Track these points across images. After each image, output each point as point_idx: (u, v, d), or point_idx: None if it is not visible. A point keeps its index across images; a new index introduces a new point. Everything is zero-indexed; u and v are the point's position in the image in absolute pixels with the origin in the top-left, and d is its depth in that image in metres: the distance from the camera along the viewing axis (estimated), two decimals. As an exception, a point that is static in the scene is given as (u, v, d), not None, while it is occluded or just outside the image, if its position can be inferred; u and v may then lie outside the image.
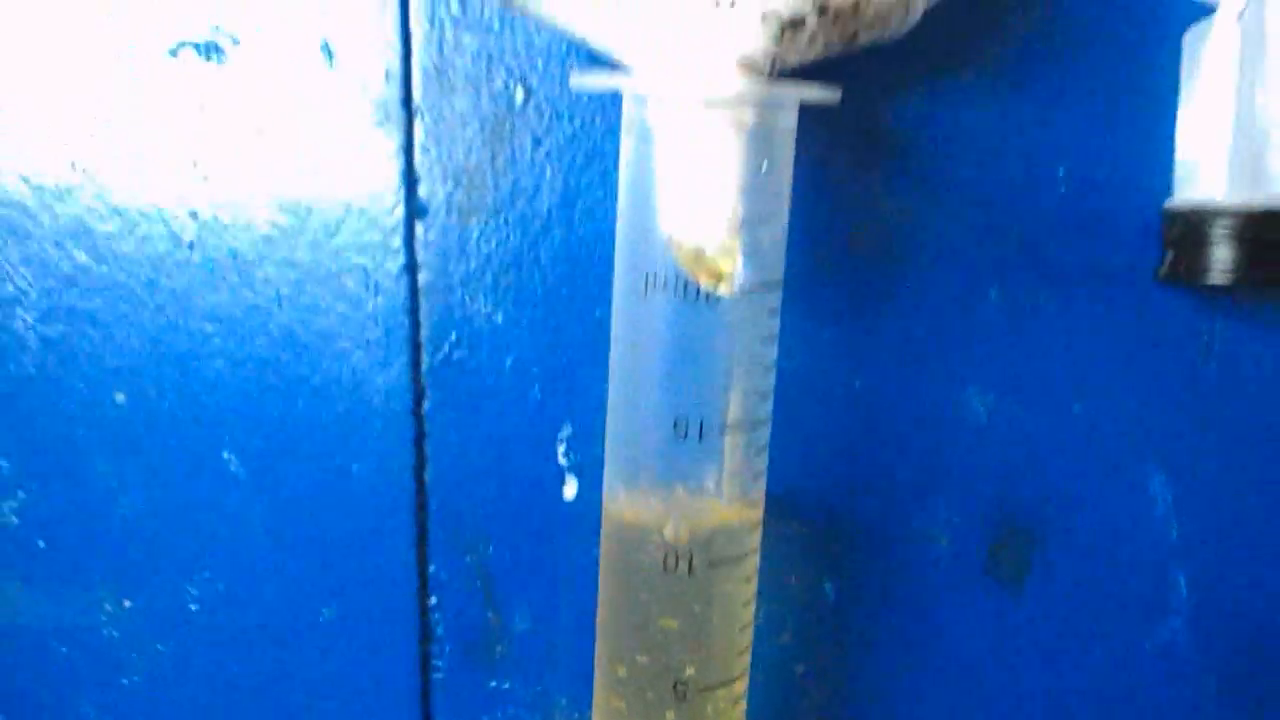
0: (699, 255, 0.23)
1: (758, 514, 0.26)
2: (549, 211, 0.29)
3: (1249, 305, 0.29)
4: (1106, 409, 0.30)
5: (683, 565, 0.25)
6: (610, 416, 0.25)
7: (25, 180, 0.30)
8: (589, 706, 0.28)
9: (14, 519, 0.31)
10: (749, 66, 0.23)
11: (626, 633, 0.26)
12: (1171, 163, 0.28)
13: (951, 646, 0.31)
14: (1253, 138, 0.26)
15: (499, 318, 0.30)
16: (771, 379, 0.25)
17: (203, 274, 0.30)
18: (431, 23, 0.29)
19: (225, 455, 0.31)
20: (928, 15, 0.25)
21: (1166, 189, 0.28)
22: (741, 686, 0.26)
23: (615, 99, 0.28)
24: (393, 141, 0.29)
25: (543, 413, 0.30)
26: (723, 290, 0.24)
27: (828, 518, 0.30)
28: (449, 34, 0.29)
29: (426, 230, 0.29)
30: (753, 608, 0.27)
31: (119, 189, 0.30)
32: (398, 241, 0.29)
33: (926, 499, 0.30)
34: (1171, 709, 0.31)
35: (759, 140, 0.24)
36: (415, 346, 0.30)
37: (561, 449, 0.30)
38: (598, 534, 0.27)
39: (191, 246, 0.30)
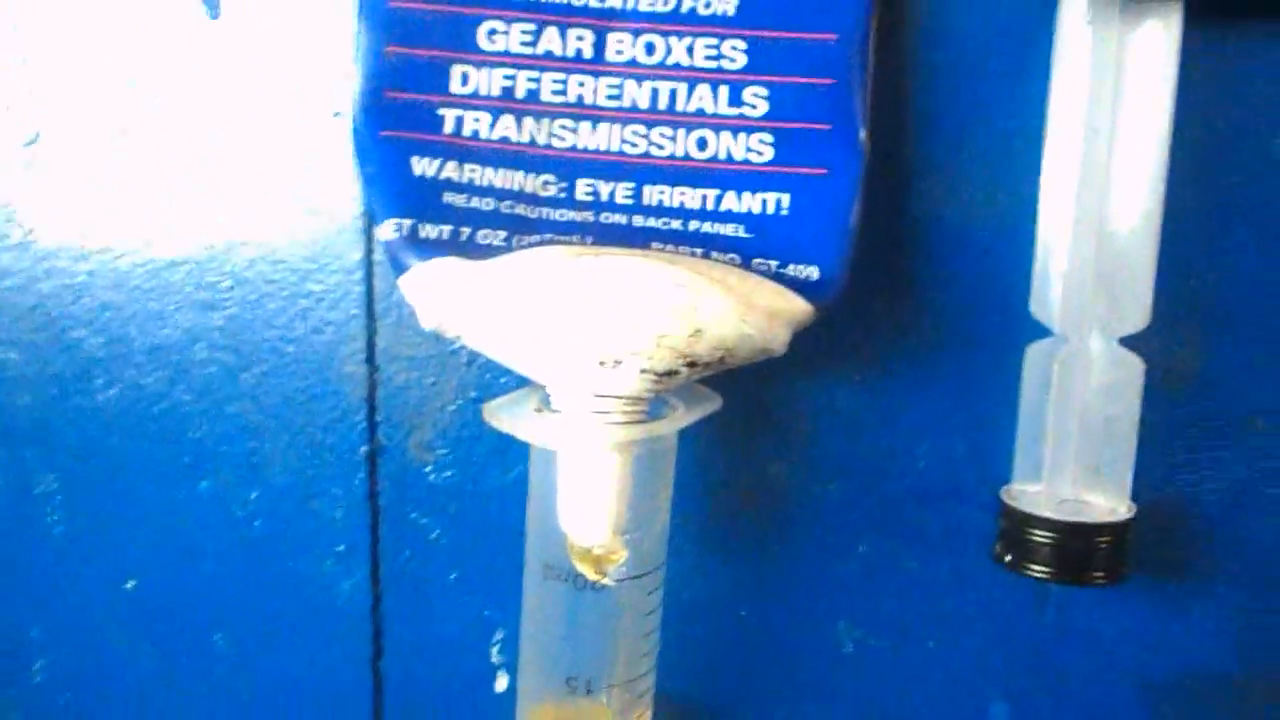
0: (586, 553, 0.29)
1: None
2: (485, 457, 0.35)
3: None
4: (956, 644, 0.35)
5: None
6: (520, 668, 0.31)
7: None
8: None
9: (39, 676, 0.37)
10: (633, 403, 0.28)
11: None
12: (1012, 450, 0.32)
13: None
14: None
15: (444, 540, 0.35)
16: (654, 639, 0.31)
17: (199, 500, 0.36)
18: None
19: (215, 636, 0.36)
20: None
21: (1008, 473, 0.33)
22: None
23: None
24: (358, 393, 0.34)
25: (480, 618, 0.36)
26: (606, 582, 0.29)
27: (717, 721, 0.36)
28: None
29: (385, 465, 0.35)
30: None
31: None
32: (362, 474, 0.35)
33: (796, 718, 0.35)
34: None
35: (641, 461, 0.29)
36: (374, 558, 0.36)
37: (495, 649, 0.36)
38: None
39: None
